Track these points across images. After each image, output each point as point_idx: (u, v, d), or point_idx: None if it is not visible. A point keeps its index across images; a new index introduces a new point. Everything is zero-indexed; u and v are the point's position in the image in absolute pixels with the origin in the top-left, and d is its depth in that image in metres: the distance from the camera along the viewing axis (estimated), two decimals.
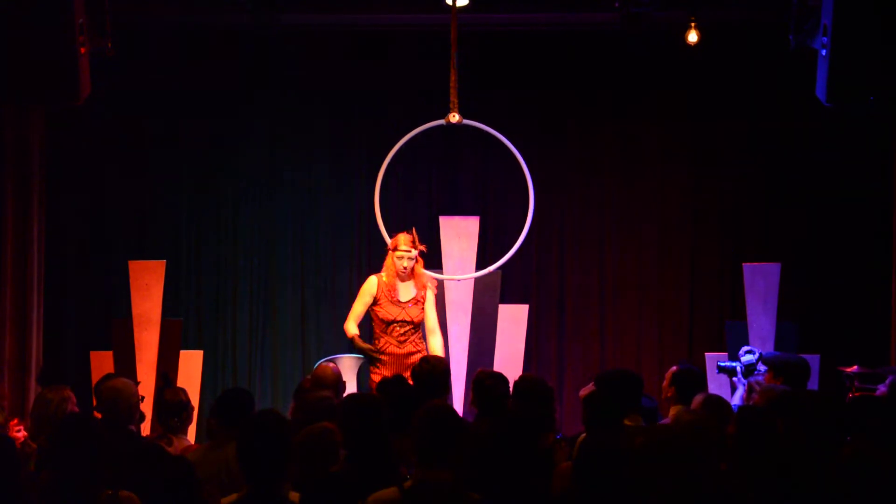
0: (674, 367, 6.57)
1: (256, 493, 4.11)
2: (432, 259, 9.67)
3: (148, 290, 9.39)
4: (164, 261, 9.60)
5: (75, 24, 7.04)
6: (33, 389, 8.97)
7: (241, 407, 5.37)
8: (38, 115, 9.37)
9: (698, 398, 5.56)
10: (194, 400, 8.10)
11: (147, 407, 8.70)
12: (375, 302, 8.10)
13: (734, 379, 7.79)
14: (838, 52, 7.10)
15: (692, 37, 9.10)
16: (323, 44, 10.24)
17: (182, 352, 9.41)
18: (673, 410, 6.36)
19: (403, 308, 8.07)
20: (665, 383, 6.50)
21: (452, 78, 8.34)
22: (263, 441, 4.14)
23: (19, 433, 6.40)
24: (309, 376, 6.91)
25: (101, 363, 9.21)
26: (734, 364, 7.80)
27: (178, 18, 9.59)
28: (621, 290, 10.49)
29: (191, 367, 9.28)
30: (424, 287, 8.15)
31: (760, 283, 9.41)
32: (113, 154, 10.31)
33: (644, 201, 10.50)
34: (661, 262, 10.48)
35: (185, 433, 6.26)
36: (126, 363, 9.17)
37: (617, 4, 8.86)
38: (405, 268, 8.08)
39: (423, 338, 8.19)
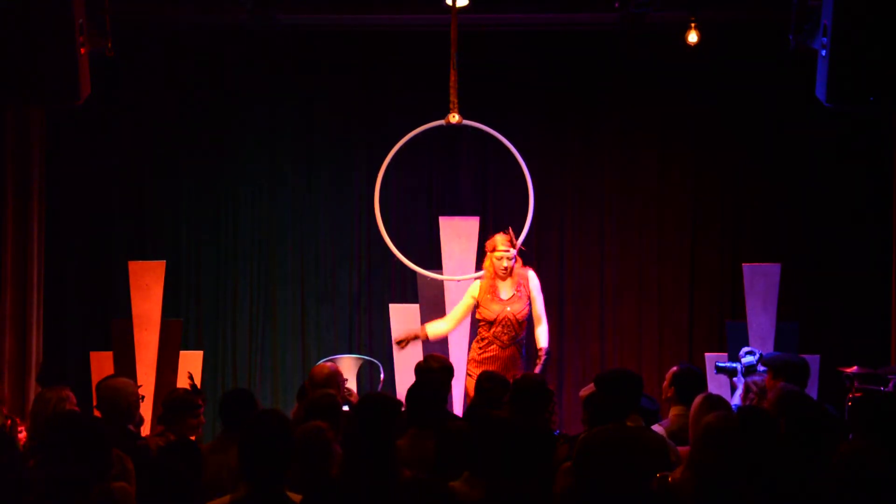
0: (674, 368, 6.57)
1: (256, 493, 4.11)
2: (432, 259, 9.69)
3: (148, 290, 9.38)
4: (164, 261, 9.60)
5: (75, 24, 7.03)
6: (33, 389, 8.97)
7: (244, 408, 5.34)
8: (38, 115, 9.37)
9: (699, 398, 5.55)
10: None
11: (147, 408, 8.71)
12: (478, 305, 8.09)
13: (734, 379, 7.79)
14: (838, 52, 7.09)
15: (692, 37, 9.10)
16: (323, 44, 10.24)
17: (182, 352, 9.41)
18: (673, 411, 6.37)
19: (505, 305, 8.04)
20: (665, 384, 6.51)
21: (452, 78, 8.34)
22: (265, 440, 4.14)
23: (21, 433, 6.41)
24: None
25: (101, 363, 9.20)
26: (734, 364, 7.80)
27: (178, 18, 9.59)
28: (621, 290, 10.49)
29: (191, 367, 9.26)
30: (525, 281, 8.10)
31: (760, 283, 9.40)
32: (113, 154, 10.31)
33: (644, 201, 10.50)
34: (661, 262, 10.48)
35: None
36: (126, 363, 9.17)
37: (617, 4, 8.86)
38: (505, 268, 8.04)
39: (525, 342, 8.15)
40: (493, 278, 8.06)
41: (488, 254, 8.13)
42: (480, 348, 8.06)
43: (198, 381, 9.20)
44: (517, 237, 8.31)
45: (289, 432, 4.25)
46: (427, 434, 5.25)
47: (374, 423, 4.68)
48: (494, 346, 8.01)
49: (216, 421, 9.49)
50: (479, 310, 8.09)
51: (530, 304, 8.09)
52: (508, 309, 8.00)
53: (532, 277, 8.13)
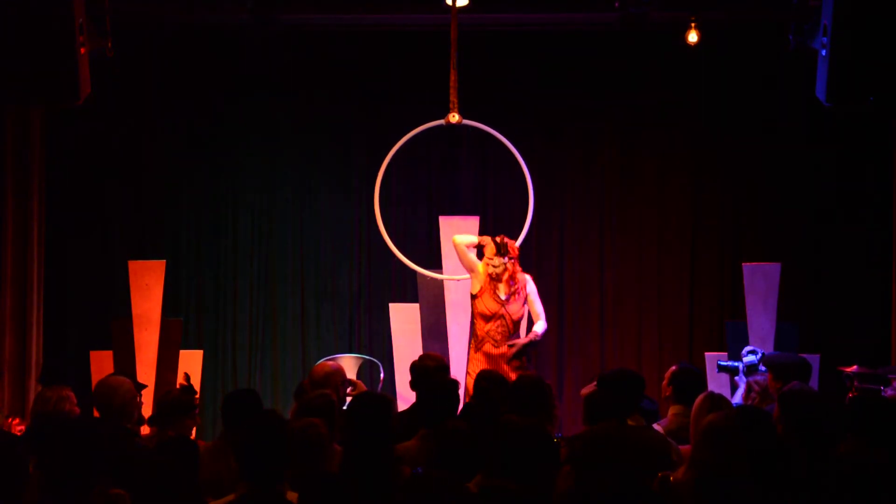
0: (673, 367, 6.58)
1: (253, 493, 4.10)
2: (432, 259, 9.68)
3: (148, 290, 9.38)
4: (164, 261, 9.60)
5: (75, 24, 7.03)
6: (33, 389, 8.97)
7: (247, 409, 5.32)
8: (38, 115, 9.37)
9: (700, 397, 5.56)
10: None
11: (147, 408, 8.70)
12: (476, 297, 8.06)
13: (736, 378, 7.80)
14: (838, 52, 7.10)
15: (692, 37, 9.10)
16: (323, 44, 10.24)
17: (182, 352, 9.41)
18: (672, 410, 6.37)
19: (502, 304, 8.02)
20: (664, 383, 6.51)
21: (452, 78, 8.34)
22: (261, 441, 4.13)
23: (21, 433, 6.41)
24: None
25: (101, 363, 9.20)
26: (736, 364, 7.81)
27: (178, 18, 9.58)
28: (621, 289, 10.49)
29: (191, 367, 9.26)
30: (524, 285, 8.07)
31: (760, 283, 9.40)
32: (113, 154, 10.31)
33: (644, 201, 10.50)
34: (660, 263, 10.48)
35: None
36: (126, 363, 9.17)
37: (617, 4, 8.86)
38: (491, 273, 8.01)
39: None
40: (488, 276, 8.04)
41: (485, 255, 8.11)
42: (475, 347, 8.07)
43: (197, 381, 9.24)
44: (518, 237, 8.31)
45: (285, 433, 4.24)
46: None
47: (367, 423, 4.70)
48: (488, 343, 8.00)
49: (216, 421, 9.51)
50: (476, 302, 8.07)
51: (526, 307, 8.08)
52: (504, 308, 7.99)
53: (529, 282, 8.11)
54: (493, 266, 7.97)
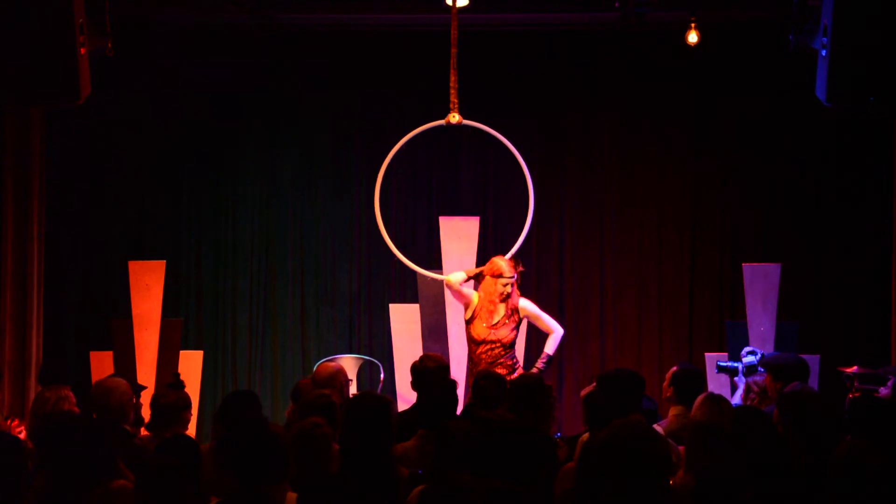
0: (674, 368, 6.57)
1: (240, 495, 4.08)
2: (432, 259, 9.68)
3: (148, 290, 9.39)
4: (164, 261, 9.60)
5: (75, 24, 7.03)
6: (33, 389, 8.97)
7: (245, 410, 5.32)
8: (38, 115, 9.37)
9: (700, 398, 5.56)
10: (194, 400, 8.09)
11: (146, 409, 8.71)
12: (472, 319, 8.09)
13: (735, 379, 7.80)
14: (838, 52, 7.10)
15: (692, 37, 9.11)
16: (323, 44, 10.25)
17: (182, 352, 9.41)
18: (672, 410, 6.37)
19: (493, 329, 8.03)
20: (665, 383, 6.51)
21: (452, 78, 8.34)
22: (242, 443, 4.10)
23: (20, 434, 6.41)
24: (309, 376, 6.91)
25: (101, 363, 9.21)
26: (736, 364, 7.81)
27: (178, 18, 9.59)
28: (621, 289, 10.50)
29: (191, 367, 9.28)
30: (516, 307, 8.08)
31: (760, 283, 9.40)
32: (113, 154, 10.32)
33: (644, 201, 10.50)
34: (661, 263, 10.48)
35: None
36: (126, 363, 9.17)
37: (617, 4, 8.87)
38: (503, 293, 8.03)
39: (515, 359, 8.14)
40: (491, 301, 8.03)
41: (490, 278, 8.05)
42: (471, 371, 8.12)
43: (197, 381, 9.25)
44: (518, 237, 8.32)
45: (267, 435, 4.20)
46: None
47: (367, 423, 4.69)
48: (480, 367, 7.99)
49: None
50: (469, 328, 8.10)
51: (517, 329, 8.11)
52: (493, 333, 7.99)
53: (526, 305, 8.13)
54: (511, 285, 7.97)
